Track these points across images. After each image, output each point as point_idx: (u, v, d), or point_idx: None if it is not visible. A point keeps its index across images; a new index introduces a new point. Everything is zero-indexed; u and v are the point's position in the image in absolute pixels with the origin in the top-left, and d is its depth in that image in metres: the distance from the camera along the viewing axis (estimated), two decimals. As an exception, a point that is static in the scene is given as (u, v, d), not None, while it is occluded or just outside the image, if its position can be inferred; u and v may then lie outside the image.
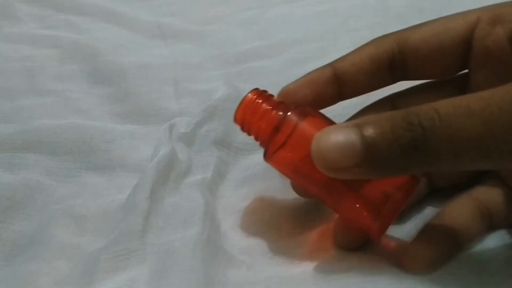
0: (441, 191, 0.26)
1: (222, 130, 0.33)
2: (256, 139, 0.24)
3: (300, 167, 0.23)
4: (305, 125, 0.23)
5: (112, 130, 0.34)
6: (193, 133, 0.33)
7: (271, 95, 0.25)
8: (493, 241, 0.23)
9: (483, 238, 0.23)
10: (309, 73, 0.26)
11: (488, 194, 0.24)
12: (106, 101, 0.38)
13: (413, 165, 0.19)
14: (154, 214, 0.26)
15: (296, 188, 0.26)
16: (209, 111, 0.33)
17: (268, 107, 0.24)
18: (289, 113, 0.23)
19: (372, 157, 0.19)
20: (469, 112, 0.18)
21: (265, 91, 0.25)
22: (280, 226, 0.27)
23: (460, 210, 0.23)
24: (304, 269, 0.23)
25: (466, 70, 0.25)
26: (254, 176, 0.30)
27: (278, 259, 0.25)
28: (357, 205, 0.22)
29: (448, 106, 0.18)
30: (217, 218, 0.27)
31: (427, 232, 0.23)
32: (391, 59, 0.25)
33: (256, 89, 0.24)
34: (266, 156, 0.24)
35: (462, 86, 0.25)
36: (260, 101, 0.24)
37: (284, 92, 0.26)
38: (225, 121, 0.33)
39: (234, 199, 0.29)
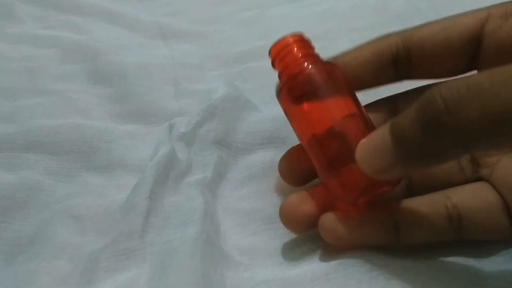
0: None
1: (222, 130, 0.33)
2: (279, 77, 0.25)
3: (302, 112, 0.24)
4: (320, 79, 0.24)
5: (112, 130, 0.34)
6: (193, 132, 0.33)
7: (310, 45, 0.26)
8: (491, 243, 0.23)
9: (447, 239, 0.23)
10: None
11: (466, 197, 0.22)
12: (106, 101, 0.38)
13: (446, 148, 0.17)
14: (154, 213, 0.26)
15: (285, 175, 0.27)
16: (209, 110, 0.33)
17: (299, 55, 0.24)
18: (311, 66, 0.24)
19: (402, 148, 0.18)
20: (506, 78, 0.16)
21: (305, 39, 0.26)
22: (279, 226, 0.27)
23: (426, 203, 0.23)
24: (303, 269, 0.23)
25: (475, 71, 0.24)
26: (254, 176, 0.30)
27: (276, 260, 0.25)
28: (341, 182, 0.23)
29: (482, 74, 0.17)
30: (216, 218, 0.27)
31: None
32: (395, 55, 0.24)
33: (299, 34, 0.26)
34: (278, 93, 0.25)
35: None
36: (296, 47, 0.25)
37: None
38: (225, 120, 0.33)
39: (234, 199, 0.29)
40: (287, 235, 0.26)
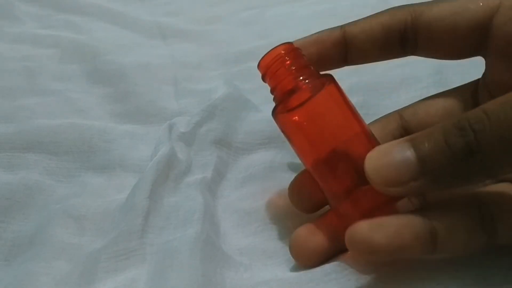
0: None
1: (222, 130, 0.33)
2: (272, 92, 0.24)
3: (303, 135, 0.23)
4: (320, 98, 0.22)
5: (112, 130, 0.34)
6: (193, 132, 0.33)
7: (302, 55, 0.24)
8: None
9: (480, 246, 0.21)
10: (318, 32, 0.25)
11: (497, 198, 0.21)
12: (106, 101, 0.38)
13: (472, 173, 0.18)
14: (154, 214, 0.26)
15: (296, 203, 0.25)
16: (209, 110, 0.33)
17: (292, 68, 0.23)
18: (308, 81, 0.22)
19: (428, 169, 0.18)
20: None
21: (297, 49, 0.24)
22: (279, 226, 0.26)
23: (459, 205, 0.21)
24: (303, 270, 0.23)
25: (479, 74, 0.24)
26: (254, 176, 0.30)
27: (276, 260, 0.25)
28: (352, 202, 0.22)
29: (495, 103, 0.18)
30: (216, 218, 0.27)
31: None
32: (402, 31, 0.24)
33: (290, 43, 0.24)
34: (274, 113, 0.24)
35: (473, 94, 0.24)
36: (288, 58, 0.23)
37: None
38: (225, 120, 0.33)
39: (234, 199, 0.29)
40: (287, 235, 0.26)
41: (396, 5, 0.25)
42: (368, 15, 0.26)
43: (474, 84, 0.25)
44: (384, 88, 0.35)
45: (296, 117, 0.22)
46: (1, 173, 0.30)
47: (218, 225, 0.27)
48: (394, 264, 0.22)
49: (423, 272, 0.22)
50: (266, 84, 0.24)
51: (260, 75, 0.24)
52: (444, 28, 0.23)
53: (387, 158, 0.19)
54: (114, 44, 0.44)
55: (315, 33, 0.25)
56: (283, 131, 0.24)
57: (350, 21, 0.26)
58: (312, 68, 0.23)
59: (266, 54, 0.23)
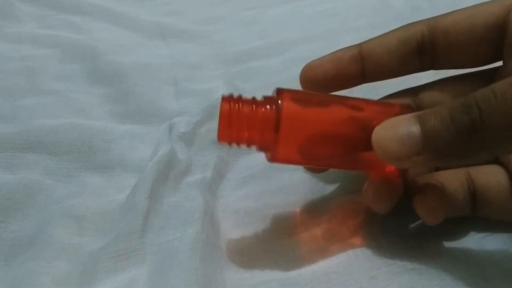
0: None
1: (222, 130, 0.33)
2: (249, 147, 0.23)
3: (308, 151, 0.22)
4: (288, 111, 0.21)
5: (112, 130, 0.34)
6: (193, 132, 0.33)
7: (240, 96, 0.22)
8: (492, 244, 0.23)
9: (464, 214, 0.24)
10: (335, 51, 0.25)
11: (483, 176, 0.24)
12: (106, 101, 0.38)
13: (473, 150, 0.18)
14: (154, 214, 0.26)
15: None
16: (209, 110, 0.33)
17: (249, 110, 0.22)
18: (267, 107, 0.21)
19: (432, 144, 0.19)
20: None
21: (231, 96, 0.22)
22: (279, 227, 0.26)
23: (450, 177, 0.24)
24: (303, 270, 0.23)
25: (500, 62, 0.24)
26: (254, 176, 0.30)
27: (276, 260, 0.25)
28: (377, 164, 0.22)
29: (504, 83, 0.18)
30: (216, 218, 0.27)
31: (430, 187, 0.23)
32: (420, 43, 0.24)
33: (224, 98, 0.22)
34: (270, 159, 0.23)
35: (491, 79, 0.24)
36: (236, 107, 0.22)
37: (306, 68, 0.25)
38: (225, 120, 0.33)
39: (234, 199, 0.29)
40: (287, 235, 0.26)
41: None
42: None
43: (494, 70, 0.25)
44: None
45: (289, 143, 0.22)
46: (1, 173, 0.30)
47: (218, 225, 0.27)
48: (395, 264, 0.22)
49: (423, 272, 0.22)
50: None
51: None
52: (461, 30, 0.23)
53: (394, 132, 0.20)
54: (114, 44, 0.44)
55: (332, 52, 0.25)
56: (291, 164, 0.24)
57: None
58: (255, 100, 0.22)
59: (218, 124, 0.22)
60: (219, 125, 0.22)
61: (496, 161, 0.24)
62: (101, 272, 0.24)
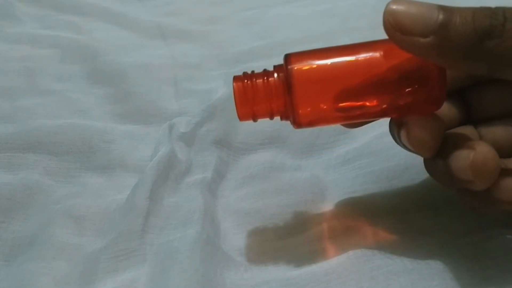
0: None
1: (222, 130, 0.33)
2: (272, 117, 0.23)
3: (331, 106, 0.21)
4: (297, 70, 0.21)
5: (112, 130, 0.34)
6: (193, 133, 0.33)
7: (252, 72, 0.23)
8: (492, 244, 0.23)
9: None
10: None
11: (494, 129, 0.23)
12: (106, 101, 0.38)
13: (478, 56, 0.18)
14: (154, 214, 0.26)
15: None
16: (209, 111, 0.33)
17: (261, 82, 0.22)
18: (278, 75, 0.22)
19: (445, 33, 0.19)
20: None
21: (245, 73, 0.22)
22: (279, 226, 0.27)
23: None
24: (303, 270, 0.23)
25: None
26: (254, 176, 0.30)
27: (276, 260, 0.25)
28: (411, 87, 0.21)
29: None
30: (216, 218, 0.27)
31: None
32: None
33: (236, 77, 0.22)
34: (295, 124, 0.22)
35: None
36: (249, 82, 0.22)
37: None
38: (225, 120, 0.33)
39: (234, 199, 0.29)
40: (288, 236, 0.26)
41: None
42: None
43: None
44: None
45: (312, 103, 0.21)
46: (1, 173, 0.30)
47: (218, 225, 0.27)
48: (395, 264, 0.22)
49: (423, 272, 0.22)
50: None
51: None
52: None
53: (413, 7, 0.19)
54: (114, 44, 0.44)
55: None
56: (323, 124, 0.23)
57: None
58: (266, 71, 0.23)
59: (235, 102, 0.22)
60: (236, 104, 0.22)
61: None
62: (101, 272, 0.24)
